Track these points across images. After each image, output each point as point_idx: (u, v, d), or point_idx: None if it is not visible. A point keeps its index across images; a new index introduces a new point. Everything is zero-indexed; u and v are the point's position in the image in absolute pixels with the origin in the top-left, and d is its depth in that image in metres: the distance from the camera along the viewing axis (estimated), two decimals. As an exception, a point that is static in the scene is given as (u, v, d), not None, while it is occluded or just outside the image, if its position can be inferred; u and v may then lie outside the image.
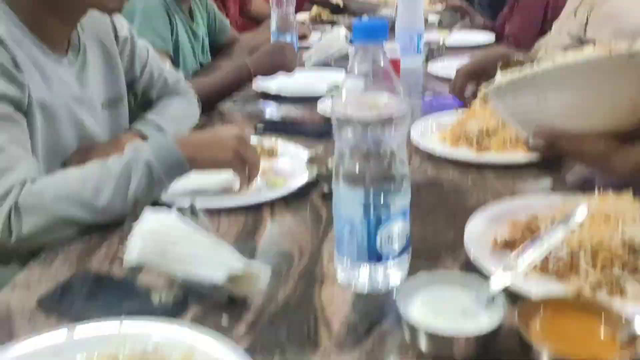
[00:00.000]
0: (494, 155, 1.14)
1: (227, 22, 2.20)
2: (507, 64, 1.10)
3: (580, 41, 1.74)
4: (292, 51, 1.58)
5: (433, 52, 1.91)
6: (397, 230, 0.71)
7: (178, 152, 0.92)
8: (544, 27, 2.24)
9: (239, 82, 1.52)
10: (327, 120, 1.10)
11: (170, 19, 1.60)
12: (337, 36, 1.90)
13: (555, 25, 1.88)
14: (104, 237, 0.89)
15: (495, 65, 1.10)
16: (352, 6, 3.07)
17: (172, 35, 1.62)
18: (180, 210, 0.73)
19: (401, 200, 0.71)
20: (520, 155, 1.12)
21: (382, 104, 0.67)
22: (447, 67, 1.74)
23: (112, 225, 0.90)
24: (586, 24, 1.88)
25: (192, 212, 0.75)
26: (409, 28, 1.82)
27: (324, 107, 1.45)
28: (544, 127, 0.88)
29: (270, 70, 1.54)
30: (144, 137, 1.13)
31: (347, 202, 0.70)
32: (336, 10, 3.00)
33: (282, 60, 1.53)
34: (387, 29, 0.67)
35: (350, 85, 0.68)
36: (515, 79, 0.86)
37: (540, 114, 0.88)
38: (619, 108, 0.85)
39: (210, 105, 1.47)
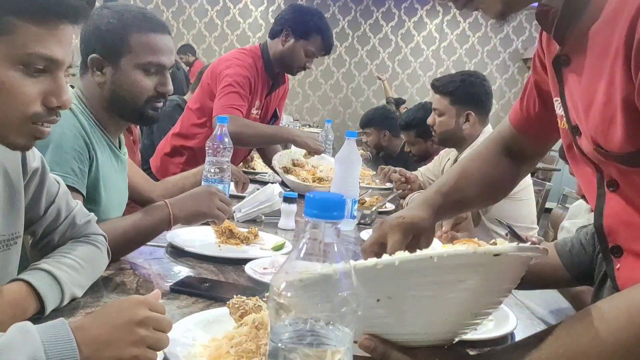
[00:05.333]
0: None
1: None
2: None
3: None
4: (224, 199, 1.37)
5: (366, 217, 1.95)
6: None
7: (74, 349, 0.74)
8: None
9: (157, 227, 1.29)
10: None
11: (89, 152, 1.33)
12: (271, 192, 1.82)
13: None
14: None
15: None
16: None
17: (90, 169, 1.34)
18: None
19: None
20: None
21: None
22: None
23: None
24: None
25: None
26: (344, 193, 1.78)
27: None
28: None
29: (193, 217, 1.33)
30: (34, 289, 0.92)
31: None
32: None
33: (209, 208, 1.33)
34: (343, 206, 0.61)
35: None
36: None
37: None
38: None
39: (123, 251, 1.28)
